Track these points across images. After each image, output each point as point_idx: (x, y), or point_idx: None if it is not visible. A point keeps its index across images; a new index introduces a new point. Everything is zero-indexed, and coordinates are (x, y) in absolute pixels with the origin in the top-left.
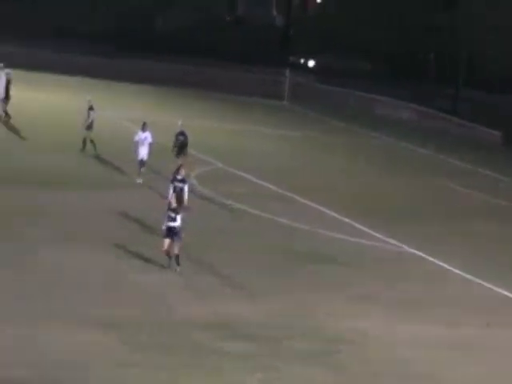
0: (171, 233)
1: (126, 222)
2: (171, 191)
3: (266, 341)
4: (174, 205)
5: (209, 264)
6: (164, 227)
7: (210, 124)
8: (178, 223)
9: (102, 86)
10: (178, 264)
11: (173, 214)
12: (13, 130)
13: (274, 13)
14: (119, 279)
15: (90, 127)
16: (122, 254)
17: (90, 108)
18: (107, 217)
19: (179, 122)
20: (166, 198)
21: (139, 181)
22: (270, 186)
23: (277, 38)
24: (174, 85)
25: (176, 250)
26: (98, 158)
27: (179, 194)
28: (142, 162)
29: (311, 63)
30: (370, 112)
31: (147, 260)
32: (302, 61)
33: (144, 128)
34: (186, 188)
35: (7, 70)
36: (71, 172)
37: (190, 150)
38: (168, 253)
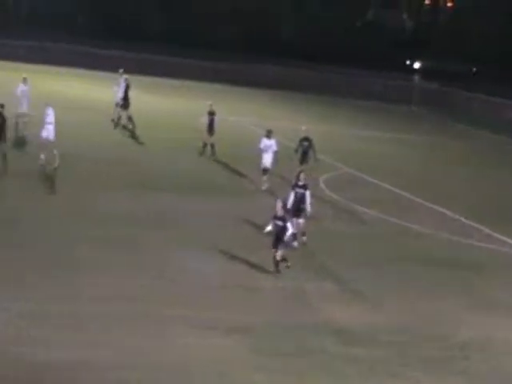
0: (279, 241)
1: (249, 227)
2: (292, 197)
3: (391, 347)
4: (279, 213)
5: (333, 269)
6: (269, 229)
7: (337, 129)
8: (288, 232)
9: (224, 90)
10: (277, 270)
11: (280, 223)
12: (132, 135)
13: (404, 16)
14: (244, 285)
15: (210, 132)
16: (246, 259)
17: (211, 112)
18: (230, 222)
19: (303, 128)
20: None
21: (263, 187)
22: (397, 191)
23: (406, 41)
24: (299, 90)
25: (278, 257)
26: (219, 162)
27: (300, 200)
28: (265, 170)
29: (417, 65)
30: (496, 115)
31: (271, 266)
32: (408, 62)
33: (269, 135)
34: (307, 194)
35: (125, 76)
36: (192, 177)
37: (318, 155)
38: (278, 263)
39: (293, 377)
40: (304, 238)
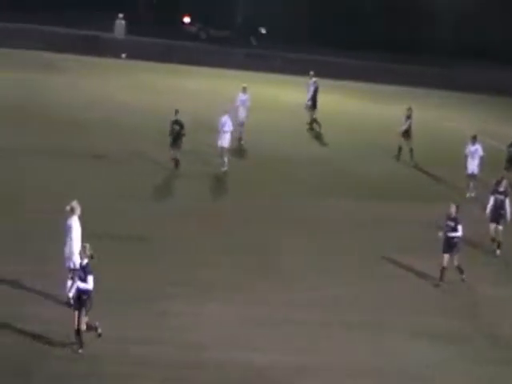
0: (450, 245)
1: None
2: (491, 203)
3: None
4: (453, 214)
5: None
6: (442, 238)
7: None
8: (458, 233)
9: (421, 94)
10: (462, 273)
11: (452, 224)
12: (319, 137)
13: None
14: (450, 289)
15: (407, 136)
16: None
17: (408, 116)
18: (430, 229)
19: None
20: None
21: (469, 194)
22: None
23: None
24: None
25: (456, 262)
26: (419, 167)
27: (500, 206)
28: (471, 176)
29: None
30: None
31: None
32: None
33: (473, 141)
34: (507, 201)
35: (315, 79)
36: (387, 181)
37: None
38: (444, 269)
39: None
40: (497, 252)
